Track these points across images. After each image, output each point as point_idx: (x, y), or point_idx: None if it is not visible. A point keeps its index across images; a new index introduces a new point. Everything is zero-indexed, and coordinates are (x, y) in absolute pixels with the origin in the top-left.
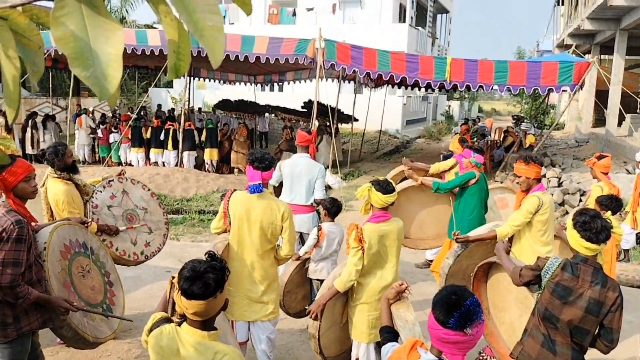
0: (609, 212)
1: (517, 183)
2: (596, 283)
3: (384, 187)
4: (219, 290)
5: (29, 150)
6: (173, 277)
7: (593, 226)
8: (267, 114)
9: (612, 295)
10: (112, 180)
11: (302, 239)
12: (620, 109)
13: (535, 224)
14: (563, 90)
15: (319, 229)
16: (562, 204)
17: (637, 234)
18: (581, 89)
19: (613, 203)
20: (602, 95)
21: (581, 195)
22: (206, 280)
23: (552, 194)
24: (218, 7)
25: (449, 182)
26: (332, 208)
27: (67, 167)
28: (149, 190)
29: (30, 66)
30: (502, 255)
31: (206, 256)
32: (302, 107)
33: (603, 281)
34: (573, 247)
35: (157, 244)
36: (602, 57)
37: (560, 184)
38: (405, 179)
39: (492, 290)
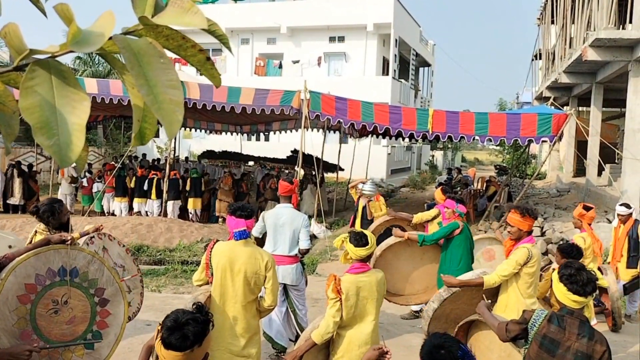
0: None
1: (508, 232)
2: (583, 336)
3: (357, 240)
4: (197, 345)
5: (11, 200)
6: (160, 325)
7: (579, 279)
8: (254, 163)
9: (600, 349)
10: (93, 237)
11: (285, 290)
12: (599, 160)
13: (522, 276)
14: (543, 141)
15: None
16: (545, 253)
17: (624, 285)
18: (560, 140)
19: (574, 251)
20: (582, 146)
21: None
22: (185, 332)
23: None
24: (179, 82)
25: (434, 234)
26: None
27: (60, 226)
28: (123, 246)
29: (4, 129)
30: (485, 312)
31: (193, 307)
32: (289, 157)
33: (590, 334)
34: (560, 301)
35: (136, 303)
36: (580, 108)
37: (543, 234)
38: (389, 229)
39: (474, 350)
